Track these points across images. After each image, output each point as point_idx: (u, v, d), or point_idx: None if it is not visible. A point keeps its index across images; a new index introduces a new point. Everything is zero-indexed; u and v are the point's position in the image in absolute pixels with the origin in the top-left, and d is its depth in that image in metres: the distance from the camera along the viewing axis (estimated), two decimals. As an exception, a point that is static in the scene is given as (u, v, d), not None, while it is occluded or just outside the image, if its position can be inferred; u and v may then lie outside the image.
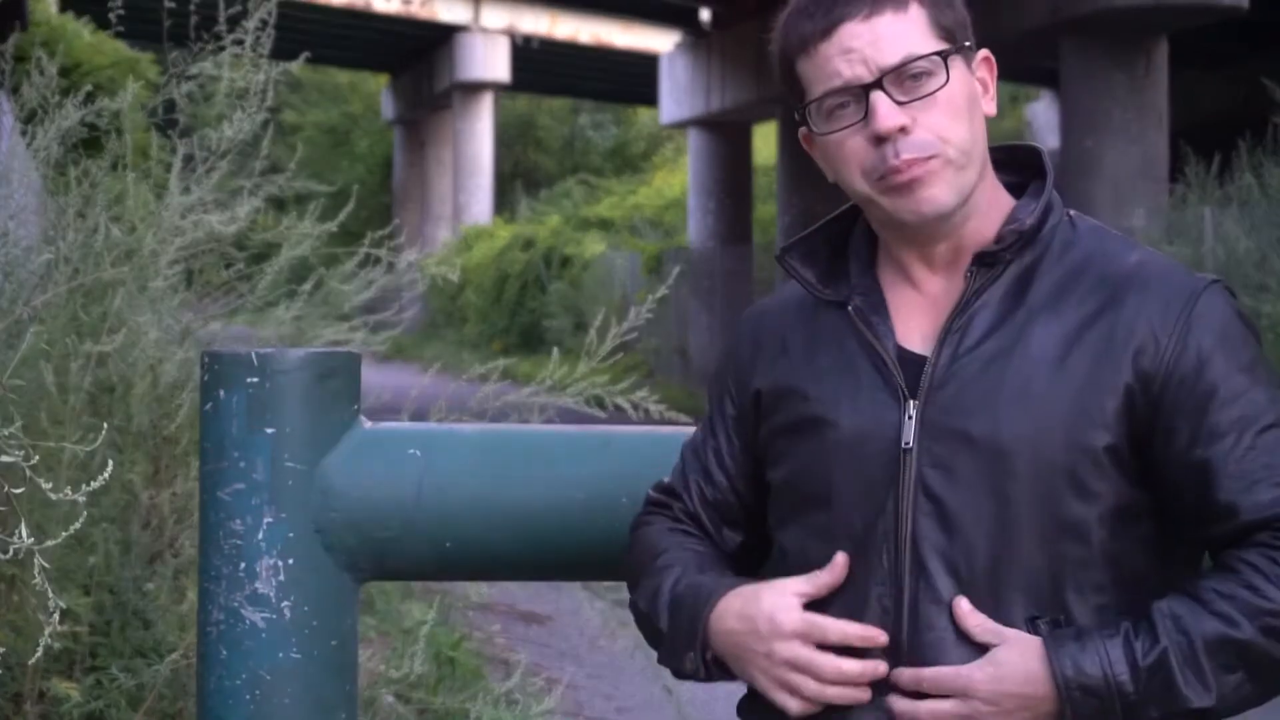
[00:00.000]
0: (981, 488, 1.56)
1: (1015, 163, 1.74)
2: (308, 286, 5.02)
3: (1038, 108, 26.17)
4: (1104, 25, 13.75)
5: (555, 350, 4.79)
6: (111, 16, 4.98)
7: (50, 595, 2.02)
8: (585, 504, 1.96)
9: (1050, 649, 1.51)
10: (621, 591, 1.87)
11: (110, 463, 2.15)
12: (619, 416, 3.91)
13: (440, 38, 31.04)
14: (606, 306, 5.63)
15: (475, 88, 30.99)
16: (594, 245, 24.01)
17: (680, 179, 28.12)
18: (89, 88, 4.49)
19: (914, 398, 1.60)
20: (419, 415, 4.54)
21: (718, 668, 1.66)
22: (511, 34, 30.51)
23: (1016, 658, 1.52)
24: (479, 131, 31.30)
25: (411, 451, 1.97)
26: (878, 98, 1.59)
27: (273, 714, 1.89)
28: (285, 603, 1.88)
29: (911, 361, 1.63)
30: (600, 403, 4.32)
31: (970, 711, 1.52)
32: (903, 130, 1.59)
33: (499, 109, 33.78)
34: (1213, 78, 20.67)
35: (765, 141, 25.08)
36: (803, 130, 1.72)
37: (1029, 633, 1.54)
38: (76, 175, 4.32)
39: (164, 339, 4.26)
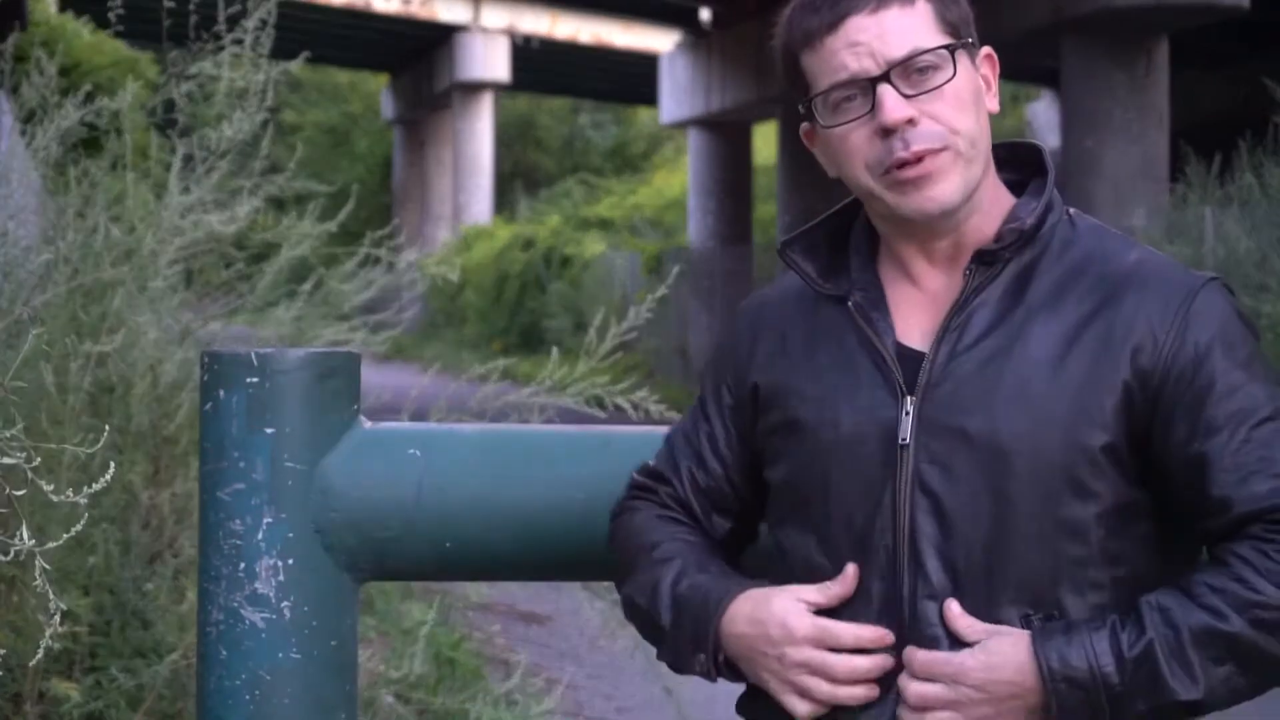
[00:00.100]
0: (979, 485, 1.56)
1: (1016, 160, 1.74)
2: (308, 286, 5.02)
3: (1038, 107, 26.16)
4: (1105, 25, 13.75)
5: (555, 350, 4.79)
6: (111, 16, 4.98)
7: (52, 598, 2.02)
8: (585, 504, 1.96)
9: (1037, 641, 1.51)
10: (622, 591, 1.87)
11: (112, 465, 2.15)
12: (619, 416, 3.91)
13: (440, 37, 31.02)
14: (606, 306, 5.63)
15: (475, 87, 30.98)
16: (594, 245, 24.00)
17: (680, 179, 28.12)
18: (89, 87, 4.49)
19: (911, 394, 1.60)
20: (419, 415, 4.55)
21: (728, 669, 1.66)
22: (511, 34, 30.49)
23: (1009, 648, 1.52)
24: (479, 131, 31.29)
25: (411, 451, 1.97)
26: (884, 90, 1.59)
27: (272, 714, 1.88)
28: (285, 603, 1.88)
29: (910, 358, 1.63)
30: (600, 403, 4.32)
31: (958, 697, 1.52)
32: (910, 123, 1.59)
33: (499, 109, 33.78)
34: (1213, 78, 20.66)
35: (765, 141, 25.08)
36: (804, 126, 1.72)
37: (1023, 629, 1.54)
38: (76, 175, 4.32)
39: (164, 339, 4.26)
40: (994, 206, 1.67)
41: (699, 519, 1.77)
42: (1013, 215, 1.66)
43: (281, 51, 5.11)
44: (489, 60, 30.41)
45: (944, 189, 1.60)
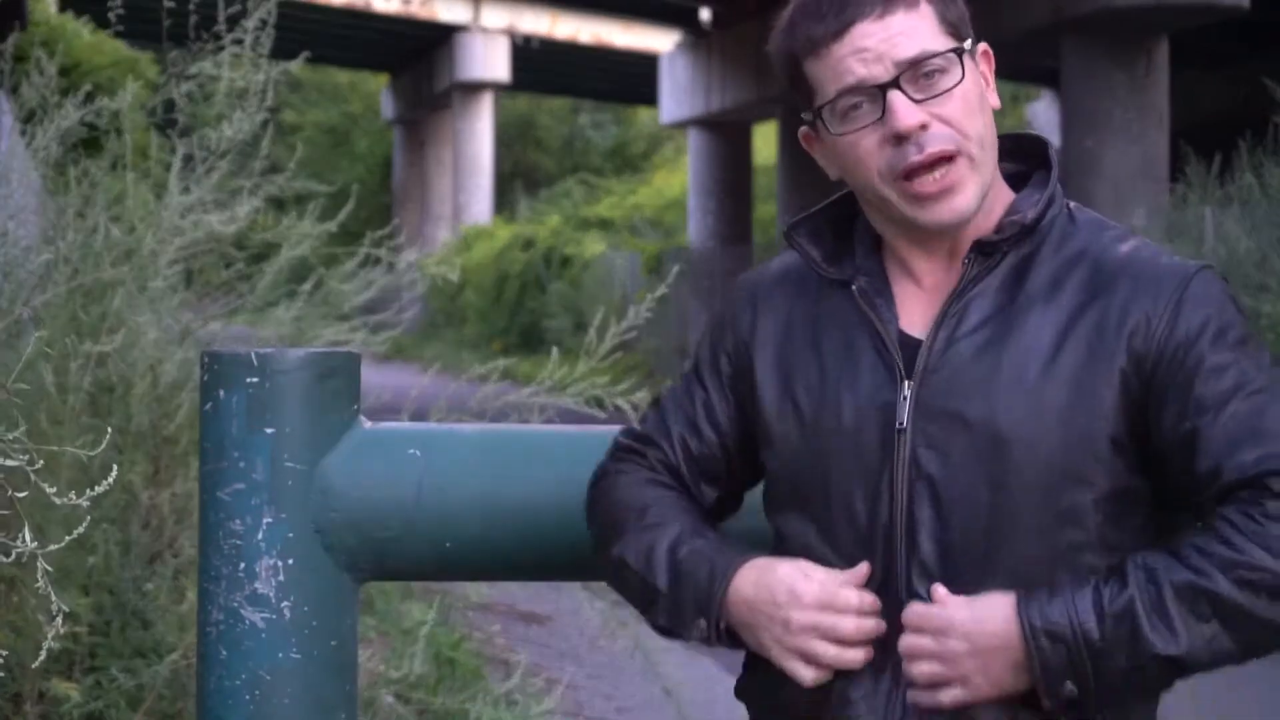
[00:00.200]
0: (976, 473, 1.57)
1: (1021, 152, 1.74)
2: (307, 286, 5.02)
3: (1038, 107, 26.16)
4: (1105, 25, 13.75)
5: (555, 350, 4.79)
6: (111, 16, 4.99)
7: (53, 599, 2.02)
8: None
9: (1022, 599, 1.53)
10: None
11: (115, 468, 2.14)
12: (619, 416, 3.91)
13: (440, 37, 31.03)
14: (606, 306, 5.62)
15: (475, 87, 30.99)
16: (594, 245, 24.00)
17: (680, 179, 28.13)
18: (88, 87, 4.49)
19: (910, 379, 1.61)
20: (419, 415, 4.55)
21: (728, 636, 1.66)
22: (511, 34, 30.50)
23: (998, 604, 1.53)
24: (479, 131, 31.30)
25: (411, 451, 1.97)
26: (895, 96, 1.59)
27: (272, 714, 1.89)
28: (285, 603, 1.88)
29: (910, 345, 1.64)
30: (600, 403, 4.32)
31: (944, 650, 1.53)
32: (922, 127, 1.59)
33: (499, 109, 33.78)
34: (1213, 78, 20.66)
35: (765, 141, 25.09)
36: (803, 130, 1.72)
37: None
38: (76, 175, 4.32)
39: (164, 339, 4.26)
40: (996, 200, 1.67)
41: (687, 486, 1.76)
42: (1014, 208, 1.67)
43: (281, 51, 5.11)
44: (489, 60, 30.41)
45: (961, 200, 1.61)
